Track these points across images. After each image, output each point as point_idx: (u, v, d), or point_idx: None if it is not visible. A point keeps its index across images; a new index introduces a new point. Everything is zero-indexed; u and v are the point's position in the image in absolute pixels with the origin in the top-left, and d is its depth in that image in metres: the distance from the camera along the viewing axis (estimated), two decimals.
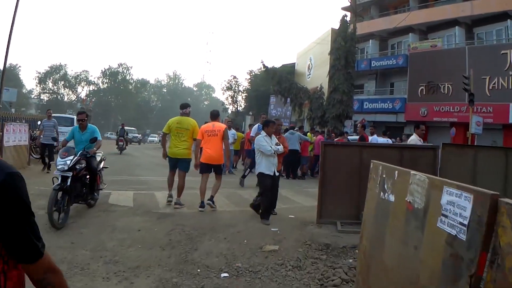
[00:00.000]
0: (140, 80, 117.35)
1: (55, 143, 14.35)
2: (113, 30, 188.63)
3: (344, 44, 30.49)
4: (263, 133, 9.98)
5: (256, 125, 16.45)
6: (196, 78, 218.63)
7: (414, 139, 14.84)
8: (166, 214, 10.21)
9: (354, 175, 9.46)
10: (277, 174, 9.98)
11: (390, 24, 39.25)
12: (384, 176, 4.41)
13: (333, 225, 9.35)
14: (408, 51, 37.18)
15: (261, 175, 9.85)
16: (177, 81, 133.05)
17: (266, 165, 9.75)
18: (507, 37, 32.25)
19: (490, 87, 29.91)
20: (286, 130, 20.02)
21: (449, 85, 32.69)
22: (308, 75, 47.94)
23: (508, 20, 31.31)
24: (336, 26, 33.19)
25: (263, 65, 33.89)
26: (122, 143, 33.37)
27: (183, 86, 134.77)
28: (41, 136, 17.63)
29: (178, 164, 10.97)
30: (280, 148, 9.91)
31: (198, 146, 10.91)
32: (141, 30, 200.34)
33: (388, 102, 37.71)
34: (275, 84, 33.33)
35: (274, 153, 9.74)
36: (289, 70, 46.85)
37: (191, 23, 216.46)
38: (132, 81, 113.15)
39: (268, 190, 9.73)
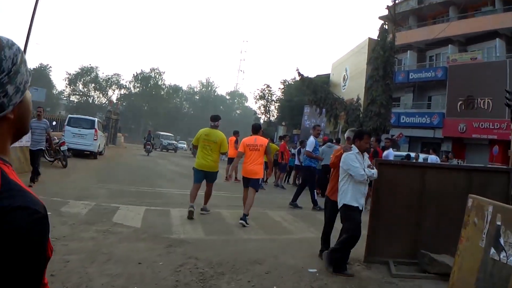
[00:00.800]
0: (173, 86, 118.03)
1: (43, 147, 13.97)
2: (147, 34, 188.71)
3: (382, 53, 29.48)
4: (354, 149, 7.47)
5: (312, 138, 14.94)
6: (229, 87, 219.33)
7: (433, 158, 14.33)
8: (178, 241, 8.29)
9: (413, 203, 8.03)
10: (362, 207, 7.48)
11: (429, 35, 38.10)
12: (499, 223, 3.23)
13: (384, 265, 7.70)
14: (447, 64, 36.19)
15: (347, 208, 7.33)
16: (210, 88, 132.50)
17: (353, 194, 7.31)
18: None
19: None
20: (324, 143, 18.90)
21: (489, 100, 31.57)
22: (343, 86, 46.89)
23: None
24: (373, 36, 32.80)
25: (298, 73, 32.61)
26: (149, 147, 39.51)
27: (215, 94, 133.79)
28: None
29: (206, 177, 10.85)
30: (375, 172, 7.50)
31: (238, 158, 11.04)
32: (175, 36, 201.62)
33: (426, 116, 36.73)
34: (310, 93, 32.15)
35: (367, 179, 7.39)
36: (324, 81, 45.56)
37: (226, 30, 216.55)
38: (164, 86, 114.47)
39: (357, 228, 7.20)
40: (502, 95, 25.57)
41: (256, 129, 11.23)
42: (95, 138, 25.28)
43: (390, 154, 16.81)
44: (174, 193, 14.96)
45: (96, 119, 28.17)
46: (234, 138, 21.02)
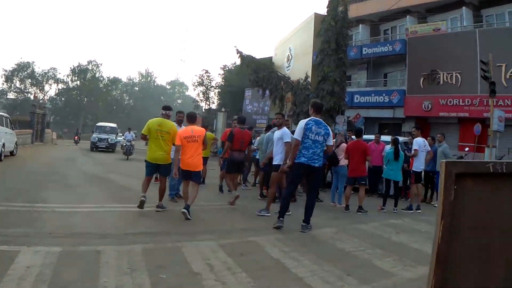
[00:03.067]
0: (111, 78, 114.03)
1: None
2: (83, 26, 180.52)
3: (334, 24, 25.83)
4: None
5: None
6: (170, 76, 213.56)
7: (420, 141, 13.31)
8: None
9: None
10: None
11: (383, 7, 34.59)
12: None
13: None
14: (407, 36, 32.62)
15: None
16: (149, 79, 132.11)
17: None
18: None
19: (507, 76, 25.76)
20: (268, 128, 14.34)
21: (457, 74, 28.47)
22: (287, 67, 42.71)
23: None
24: (320, 11, 29.52)
25: (237, 50, 28.58)
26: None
27: (155, 84, 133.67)
28: None
29: (159, 170, 10.50)
30: None
31: (177, 152, 10.05)
32: (112, 26, 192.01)
33: (384, 95, 32.98)
34: (251, 73, 28.39)
35: None
36: (266, 63, 41.51)
37: (164, 18, 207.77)
38: (102, 78, 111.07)
39: None
40: (473, 68, 25.05)
41: (192, 118, 10.55)
42: None
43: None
44: (56, 212, 9.42)
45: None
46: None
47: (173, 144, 10.38)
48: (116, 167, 22.63)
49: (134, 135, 31.70)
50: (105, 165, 23.50)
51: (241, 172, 13.92)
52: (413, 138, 13.95)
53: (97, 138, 37.67)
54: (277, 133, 10.95)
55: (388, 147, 15.42)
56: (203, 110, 60.79)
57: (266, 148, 12.70)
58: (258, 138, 15.73)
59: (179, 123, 12.09)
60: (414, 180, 13.33)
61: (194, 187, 10.00)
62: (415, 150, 13.14)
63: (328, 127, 9.25)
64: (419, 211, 12.68)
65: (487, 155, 22.58)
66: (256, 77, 27.84)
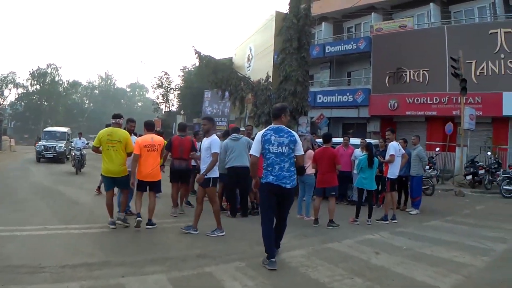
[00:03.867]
0: (71, 82, 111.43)
1: None
2: (42, 28, 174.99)
3: (296, 22, 24.80)
4: None
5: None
6: (130, 79, 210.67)
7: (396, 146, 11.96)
8: None
9: None
10: None
11: (347, 3, 33.59)
12: None
13: None
14: (371, 33, 31.60)
15: None
16: (109, 81, 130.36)
17: None
18: (493, 14, 27.67)
19: (478, 73, 25.14)
20: (227, 134, 12.43)
21: (424, 72, 27.85)
22: (248, 67, 41.35)
23: None
24: (281, 9, 28.43)
25: (195, 51, 27.11)
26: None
27: (115, 87, 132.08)
28: None
29: (117, 183, 9.72)
30: None
31: (135, 161, 9.51)
32: (71, 29, 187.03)
33: (348, 94, 31.94)
34: (210, 73, 27.24)
35: None
36: (226, 64, 40.28)
37: (124, 20, 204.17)
38: (61, 82, 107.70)
39: None
40: (441, 66, 24.69)
41: (150, 126, 10.24)
42: None
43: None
44: None
45: None
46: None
47: (130, 154, 9.71)
48: (68, 178, 20.42)
49: (86, 142, 26.33)
50: (56, 175, 21.46)
51: (186, 183, 12.27)
52: (388, 142, 12.48)
53: (42, 147, 30.58)
54: (205, 142, 9.24)
55: (358, 152, 14.19)
56: (163, 113, 59.73)
57: (224, 157, 11.22)
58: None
59: (130, 132, 10.76)
60: (389, 188, 11.94)
61: (152, 198, 9.70)
62: (391, 155, 11.67)
63: (294, 133, 7.32)
64: (395, 221, 11.28)
65: (458, 155, 21.81)
66: (215, 77, 26.65)
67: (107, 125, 13.19)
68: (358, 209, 11.01)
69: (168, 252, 7.49)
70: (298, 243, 8.12)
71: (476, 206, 14.90)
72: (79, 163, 22.64)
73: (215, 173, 8.96)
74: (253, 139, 12.25)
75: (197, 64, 30.39)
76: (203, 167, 8.87)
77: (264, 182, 7.10)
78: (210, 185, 8.87)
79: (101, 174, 9.92)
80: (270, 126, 7.33)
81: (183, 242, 8.28)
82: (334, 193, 10.58)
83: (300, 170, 11.17)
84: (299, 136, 13.20)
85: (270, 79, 26.63)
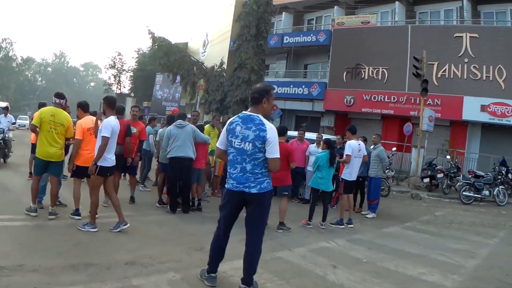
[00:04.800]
0: (25, 58, 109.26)
1: None
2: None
3: (256, 8, 24.10)
4: None
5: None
6: (84, 58, 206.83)
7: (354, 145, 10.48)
8: None
9: None
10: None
11: None
12: None
13: None
14: (332, 27, 30.57)
15: None
16: (63, 59, 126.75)
17: None
18: (458, 18, 26.99)
19: (439, 75, 24.60)
20: (171, 120, 11.17)
21: (384, 70, 26.92)
22: (203, 52, 40.53)
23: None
24: None
25: (149, 31, 25.90)
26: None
27: (68, 65, 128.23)
28: None
29: (50, 168, 8.66)
30: None
31: (77, 147, 8.58)
32: (29, 4, 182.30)
33: (303, 86, 30.89)
34: (162, 55, 25.99)
35: None
36: (180, 46, 39.10)
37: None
38: (15, 57, 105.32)
39: None
40: (402, 65, 24.41)
41: (86, 107, 9.22)
42: None
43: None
44: None
45: None
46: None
47: (69, 138, 9.06)
48: None
49: (13, 121, 16.76)
50: None
51: (119, 170, 10.83)
52: (346, 140, 11.24)
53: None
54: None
55: (313, 147, 13.02)
56: (114, 94, 57.18)
57: (166, 145, 9.92)
58: (159, 130, 12.58)
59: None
60: (344, 190, 10.68)
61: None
62: (347, 155, 10.36)
63: (269, 126, 5.26)
64: (351, 225, 10.12)
65: (414, 156, 21.08)
66: (167, 60, 25.77)
67: (41, 104, 11.83)
68: (312, 211, 9.73)
69: (92, 256, 6.19)
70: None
71: (435, 212, 13.90)
72: (1, 151, 15.52)
73: (104, 161, 7.89)
74: (199, 127, 11.07)
75: (151, 46, 29.07)
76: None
77: (226, 187, 5.47)
78: (96, 173, 7.80)
79: (35, 157, 8.84)
80: (242, 112, 5.50)
81: (112, 243, 7.00)
82: (286, 193, 9.36)
83: None
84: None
85: (224, 66, 25.93)
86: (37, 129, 8.61)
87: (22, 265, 5.57)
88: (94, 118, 8.95)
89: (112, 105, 8.52)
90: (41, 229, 7.46)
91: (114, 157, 8.17)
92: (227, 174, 5.47)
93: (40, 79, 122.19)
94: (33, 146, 13.34)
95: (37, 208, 8.51)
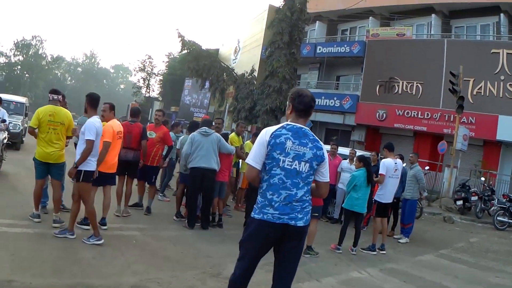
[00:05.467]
0: (55, 57, 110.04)
1: None
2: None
3: (290, 15, 23.58)
4: None
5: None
6: (115, 60, 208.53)
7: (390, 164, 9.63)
8: None
9: None
10: None
11: (345, 4, 31.80)
12: None
13: None
14: (367, 38, 29.96)
15: None
16: (93, 60, 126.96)
17: None
18: (495, 33, 26.19)
19: (474, 93, 23.69)
20: (195, 126, 10.49)
21: (418, 84, 26.16)
22: (234, 59, 40.12)
23: (501, 15, 25.24)
24: (276, 3, 27.14)
25: (179, 34, 25.60)
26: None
27: (99, 66, 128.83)
28: None
29: (51, 171, 8.05)
30: None
31: (107, 150, 7.95)
32: (62, 3, 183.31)
33: (335, 98, 30.19)
34: (191, 60, 25.76)
35: None
36: (210, 52, 38.62)
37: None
38: (45, 56, 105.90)
39: None
40: (437, 80, 23.60)
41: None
42: None
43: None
44: None
45: None
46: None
47: (70, 137, 8.65)
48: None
49: (5, 117, 12.72)
50: None
51: (135, 176, 10.35)
52: (382, 158, 10.61)
53: None
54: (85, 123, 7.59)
55: (345, 163, 12.40)
56: (143, 98, 57.92)
57: (189, 151, 9.29)
58: (181, 138, 11.87)
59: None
60: (376, 213, 9.94)
61: (109, 193, 8.52)
62: (380, 175, 9.63)
63: (321, 143, 4.30)
64: (384, 252, 9.49)
65: (447, 176, 20.36)
66: (196, 65, 25.38)
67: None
68: (343, 235, 8.98)
69: (92, 276, 5.58)
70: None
71: (469, 238, 13.20)
72: None
73: (88, 165, 7.29)
74: (224, 135, 10.36)
75: (181, 49, 28.70)
76: (77, 157, 7.23)
77: (256, 218, 4.10)
78: (81, 180, 7.18)
79: (34, 159, 8.15)
80: (286, 123, 4.24)
81: (118, 262, 6.35)
82: (317, 214, 8.27)
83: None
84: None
85: (255, 74, 25.50)
86: (36, 131, 8.07)
87: (10, 281, 5.03)
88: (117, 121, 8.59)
89: (95, 103, 7.82)
90: (41, 239, 6.85)
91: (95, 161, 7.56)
92: (263, 200, 4.11)
93: (69, 78, 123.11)
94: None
95: (40, 214, 8.02)
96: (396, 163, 9.80)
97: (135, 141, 9.50)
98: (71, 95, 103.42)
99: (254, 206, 4.18)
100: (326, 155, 4.25)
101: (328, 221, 12.56)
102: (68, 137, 8.45)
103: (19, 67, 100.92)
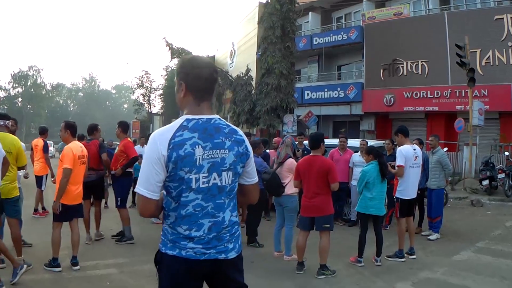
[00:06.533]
0: (54, 84, 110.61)
1: None
2: (25, 30, 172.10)
3: (279, 7, 22.47)
4: None
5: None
6: (116, 80, 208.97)
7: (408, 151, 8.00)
8: None
9: None
10: None
11: None
12: None
13: None
14: (363, 23, 29.05)
15: None
16: (93, 83, 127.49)
17: None
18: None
19: (483, 64, 22.74)
20: None
21: (423, 63, 25.25)
22: (230, 63, 39.14)
23: None
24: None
25: (166, 42, 24.84)
26: None
27: (100, 89, 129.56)
28: None
29: (4, 209, 6.78)
30: None
31: (67, 178, 6.99)
32: (53, 29, 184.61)
33: (339, 89, 29.27)
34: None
35: None
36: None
37: (108, 19, 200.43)
38: (43, 84, 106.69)
39: None
40: (442, 56, 22.90)
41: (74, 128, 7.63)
42: None
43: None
44: None
45: None
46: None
47: (19, 169, 7.43)
48: None
49: None
50: None
51: (102, 197, 9.60)
52: (397, 146, 9.08)
53: None
54: None
55: (356, 156, 11.02)
56: (145, 114, 57.52)
57: None
58: None
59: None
60: (400, 213, 8.25)
61: (76, 228, 7.41)
62: (399, 166, 8.01)
63: (239, 130, 2.94)
64: (414, 256, 8.02)
65: (467, 155, 19.22)
66: None
67: (41, 129, 11.55)
68: (362, 245, 7.55)
69: None
70: None
71: (505, 223, 11.80)
72: None
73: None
74: (253, 144, 9.11)
75: (170, 58, 27.76)
76: None
77: (169, 254, 2.75)
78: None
79: None
80: (185, 117, 2.72)
81: None
82: (328, 225, 6.94)
83: (275, 186, 7.81)
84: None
85: (251, 73, 24.62)
86: None
87: None
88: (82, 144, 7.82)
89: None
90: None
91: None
92: (174, 232, 2.75)
93: (71, 104, 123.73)
94: (38, 179, 12.03)
95: (3, 260, 6.94)
96: (415, 149, 8.21)
97: (95, 160, 8.73)
98: (76, 121, 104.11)
99: (162, 237, 2.84)
100: (250, 147, 2.93)
101: (345, 224, 11.19)
102: (19, 168, 7.42)
103: (19, 99, 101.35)
